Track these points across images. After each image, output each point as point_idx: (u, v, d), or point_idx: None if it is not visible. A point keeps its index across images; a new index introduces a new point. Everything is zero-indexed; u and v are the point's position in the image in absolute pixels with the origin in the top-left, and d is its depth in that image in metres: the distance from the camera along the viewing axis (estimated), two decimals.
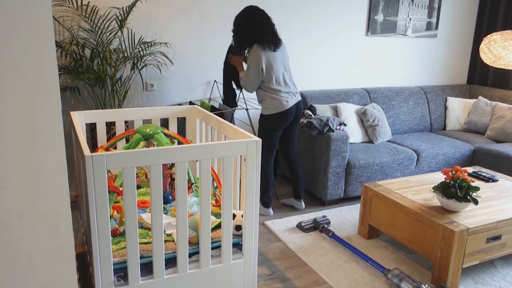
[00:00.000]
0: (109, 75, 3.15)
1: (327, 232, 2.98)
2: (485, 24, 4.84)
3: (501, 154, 3.77)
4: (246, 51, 3.16)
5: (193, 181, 2.82)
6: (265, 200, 3.34)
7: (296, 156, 3.40)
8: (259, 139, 2.06)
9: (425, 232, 2.51)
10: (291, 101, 3.11)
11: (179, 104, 3.71)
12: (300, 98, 3.23)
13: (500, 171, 3.78)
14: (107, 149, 2.48)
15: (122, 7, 3.23)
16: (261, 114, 3.19)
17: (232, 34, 3.20)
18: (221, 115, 3.31)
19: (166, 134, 2.57)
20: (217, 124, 2.53)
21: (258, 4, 3.80)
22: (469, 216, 2.50)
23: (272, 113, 3.11)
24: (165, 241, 2.09)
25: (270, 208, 3.38)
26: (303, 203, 3.49)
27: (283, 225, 3.19)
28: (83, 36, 3.28)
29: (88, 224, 1.94)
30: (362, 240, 2.99)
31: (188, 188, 2.73)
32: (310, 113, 3.66)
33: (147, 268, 1.99)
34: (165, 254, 2.02)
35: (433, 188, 2.60)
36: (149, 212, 2.45)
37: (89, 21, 3.13)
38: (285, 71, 3.12)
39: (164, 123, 3.54)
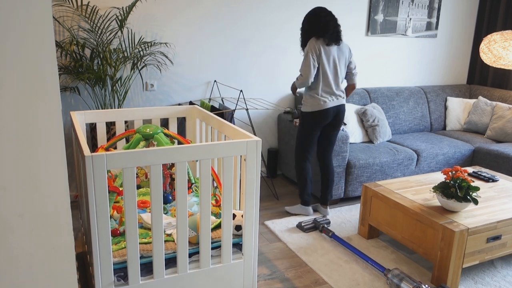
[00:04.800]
0: (109, 75, 3.15)
1: (327, 232, 2.98)
2: (485, 24, 4.84)
3: (501, 154, 3.77)
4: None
5: (193, 181, 2.82)
6: (305, 199, 3.33)
7: (331, 162, 3.32)
8: (259, 139, 2.06)
9: (425, 232, 2.51)
10: (330, 103, 3.09)
11: (179, 104, 3.71)
12: (344, 103, 3.17)
13: (500, 171, 3.78)
14: (107, 149, 2.48)
15: (122, 7, 3.23)
16: (301, 111, 3.21)
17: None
18: (221, 115, 3.31)
19: (166, 134, 2.57)
20: (217, 124, 2.53)
21: (260, 5, 3.80)
22: (469, 216, 2.50)
23: (308, 110, 3.11)
24: (165, 241, 2.09)
25: (310, 207, 3.35)
26: (328, 209, 3.41)
27: (283, 225, 3.19)
28: (83, 36, 3.28)
29: (88, 224, 1.94)
30: (362, 240, 2.99)
31: (188, 188, 2.73)
32: None
33: (147, 268, 1.99)
34: (165, 254, 2.02)
35: (433, 188, 2.60)
36: (149, 212, 2.45)
37: (89, 21, 3.13)
38: (336, 72, 3.09)
39: (164, 123, 3.54)
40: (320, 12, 3.04)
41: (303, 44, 3.15)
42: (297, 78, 3.09)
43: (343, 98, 3.18)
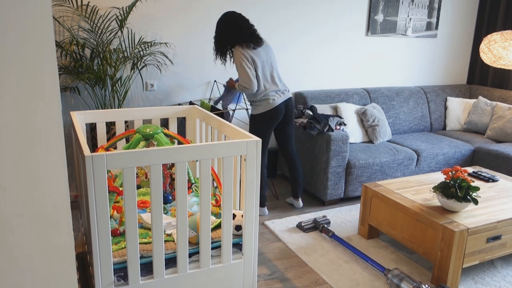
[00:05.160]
0: (109, 75, 3.15)
1: (327, 232, 2.98)
2: (485, 24, 4.84)
3: (501, 154, 3.77)
4: (229, 56, 3.16)
5: (193, 181, 2.82)
6: (260, 200, 3.35)
7: (295, 154, 3.39)
8: (259, 139, 2.06)
9: (425, 232, 2.51)
10: (278, 99, 3.12)
11: (179, 104, 3.71)
12: (291, 96, 3.23)
13: (500, 171, 3.77)
14: (107, 149, 2.48)
15: (122, 7, 3.23)
16: (250, 114, 3.22)
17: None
18: (221, 115, 3.31)
19: (166, 134, 2.57)
20: (217, 124, 2.53)
21: (258, 5, 3.80)
22: (469, 216, 2.50)
23: (260, 112, 3.13)
24: (165, 241, 2.09)
25: (265, 208, 3.39)
26: (300, 201, 3.50)
27: (283, 225, 3.19)
28: (83, 36, 3.28)
29: (88, 224, 1.94)
30: (362, 240, 2.99)
31: (188, 188, 2.73)
32: (311, 113, 3.66)
33: (147, 268, 1.99)
34: (165, 254, 2.02)
35: (433, 188, 2.60)
36: (149, 212, 2.45)
37: (89, 21, 3.13)
38: (272, 69, 3.14)
39: (164, 123, 3.54)
40: (230, 17, 3.03)
41: (222, 54, 3.12)
42: (239, 88, 3.06)
43: (289, 91, 3.23)
